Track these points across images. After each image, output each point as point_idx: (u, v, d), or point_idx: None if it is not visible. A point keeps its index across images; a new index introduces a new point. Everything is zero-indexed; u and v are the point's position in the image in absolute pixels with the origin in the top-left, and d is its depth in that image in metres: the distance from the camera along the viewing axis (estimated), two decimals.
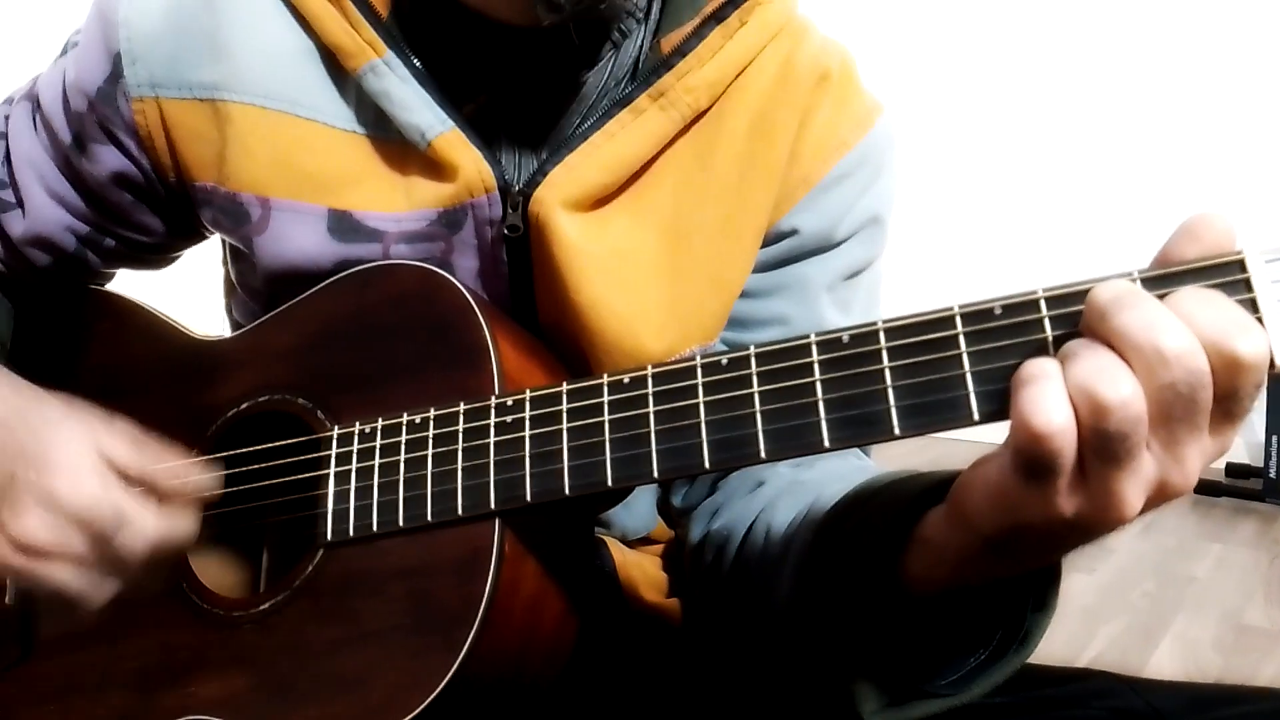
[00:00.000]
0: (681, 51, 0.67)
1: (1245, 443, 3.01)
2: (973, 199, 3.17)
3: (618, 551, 0.79)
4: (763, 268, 0.73)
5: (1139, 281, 0.44)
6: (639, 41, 0.70)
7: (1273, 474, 2.68)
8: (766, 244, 0.72)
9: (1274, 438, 2.71)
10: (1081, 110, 3.12)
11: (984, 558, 0.48)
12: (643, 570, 0.81)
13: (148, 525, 0.60)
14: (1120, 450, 0.41)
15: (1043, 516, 0.43)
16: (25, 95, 0.76)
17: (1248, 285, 0.43)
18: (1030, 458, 0.42)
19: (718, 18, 0.68)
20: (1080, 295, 0.44)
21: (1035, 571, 0.51)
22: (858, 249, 0.74)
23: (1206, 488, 2.75)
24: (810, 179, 0.72)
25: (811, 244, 0.73)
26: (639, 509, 0.82)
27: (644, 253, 0.69)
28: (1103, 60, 3.10)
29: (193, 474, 0.64)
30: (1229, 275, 0.43)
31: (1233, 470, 2.89)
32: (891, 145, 0.76)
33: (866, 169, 0.73)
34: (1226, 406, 0.42)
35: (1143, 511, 0.43)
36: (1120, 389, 0.40)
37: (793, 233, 0.72)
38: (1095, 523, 0.43)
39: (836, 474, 0.67)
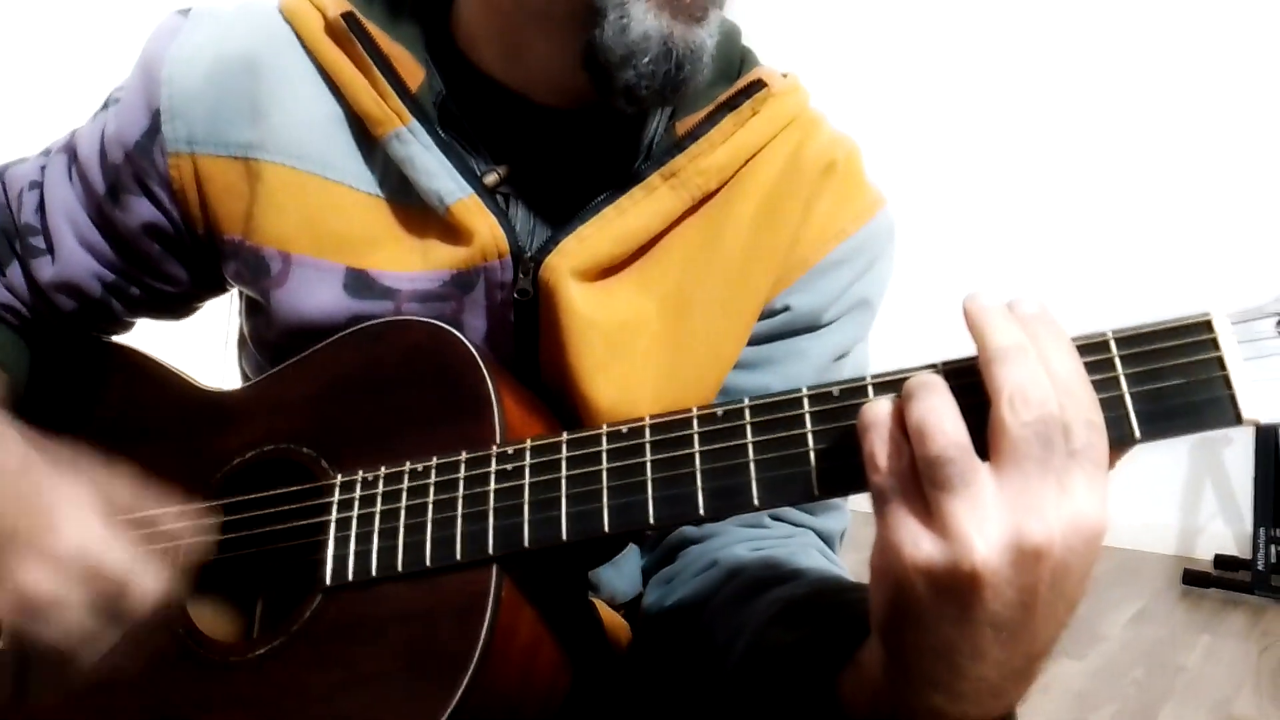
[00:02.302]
0: (695, 135, 0.71)
1: (1234, 534, 3.03)
2: (968, 283, 3.23)
3: (606, 613, 0.81)
4: (755, 341, 0.76)
5: (1113, 341, 0.47)
6: (656, 124, 0.74)
7: (1260, 566, 2.69)
8: (761, 319, 0.75)
9: (1261, 530, 2.72)
10: (1068, 210, 3.21)
11: (890, 676, 0.50)
12: (626, 633, 0.82)
13: (150, 586, 0.61)
14: (950, 474, 0.44)
15: (907, 564, 0.46)
16: (63, 147, 0.79)
17: (1215, 344, 0.46)
18: (874, 491, 0.47)
19: (731, 105, 0.72)
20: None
21: None
22: (845, 330, 0.77)
23: (1195, 578, 2.75)
24: (808, 261, 0.75)
25: (801, 322, 0.75)
26: (628, 570, 0.83)
27: (646, 324, 0.72)
28: (1091, 163, 3.20)
29: (193, 524, 0.65)
30: (1197, 335, 0.46)
31: (1221, 562, 2.90)
32: (890, 236, 0.79)
33: (863, 256, 0.76)
34: (1064, 454, 0.44)
35: (1016, 573, 0.44)
36: (947, 420, 0.45)
37: (785, 310, 0.75)
38: (955, 578, 0.44)
39: (792, 574, 0.69)
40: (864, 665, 0.53)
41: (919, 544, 0.45)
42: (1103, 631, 2.27)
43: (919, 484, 0.46)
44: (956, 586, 0.45)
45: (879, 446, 0.47)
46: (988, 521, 0.44)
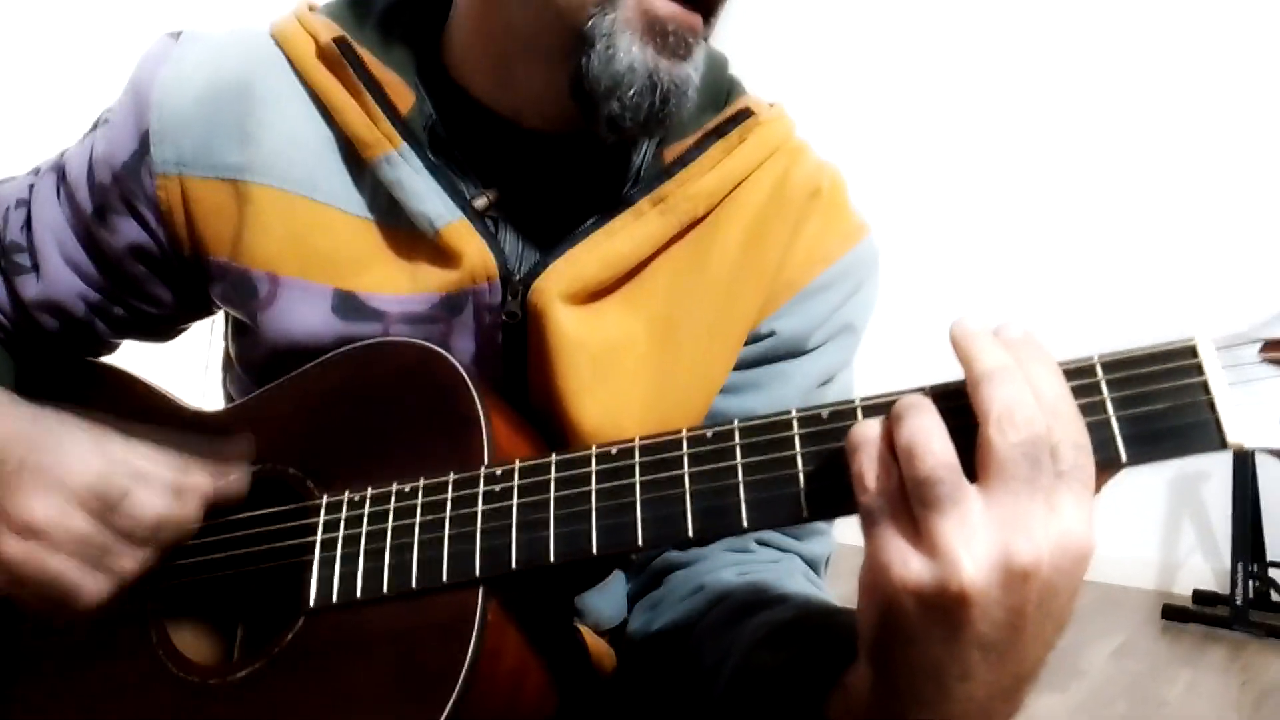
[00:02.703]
0: (683, 161, 0.72)
1: (1212, 570, 3.04)
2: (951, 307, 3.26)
3: (591, 639, 0.80)
4: (741, 365, 0.76)
5: (1099, 366, 0.48)
6: (644, 150, 0.75)
7: (1239, 601, 2.70)
8: (748, 343, 0.76)
9: (1239, 565, 2.73)
10: (1052, 237, 3.25)
11: (877, 695, 0.50)
12: (611, 659, 0.81)
13: (151, 500, 0.61)
14: (939, 494, 0.45)
15: (895, 584, 0.46)
16: (52, 167, 0.79)
17: (1199, 370, 0.46)
18: (862, 509, 0.47)
19: (719, 133, 0.73)
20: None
21: None
22: (830, 354, 0.78)
23: (1175, 613, 2.76)
24: (794, 286, 0.75)
25: (786, 347, 0.76)
26: (613, 596, 0.83)
27: (633, 346, 0.72)
28: (1073, 192, 3.24)
29: (209, 465, 0.65)
30: (1181, 361, 0.47)
31: (1200, 597, 2.91)
32: (875, 262, 0.80)
33: (848, 282, 0.77)
34: (1051, 475, 0.45)
35: (1004, 592, 0.45)
36: (934, 440, 0.45)
37: (770, 334, 0.75)
38: (944, 598, 0.45)
39: (778, 599, 0.69)
40: (851, 687, 0.53)
41: (908, 563, 0.45)
42: (1084, 665, 2.27)
43: (908, 504, 0.46)
44: (945, 606, 0.45)
45: (867, 467, 0.47)
46: (976, 541, 0.44)
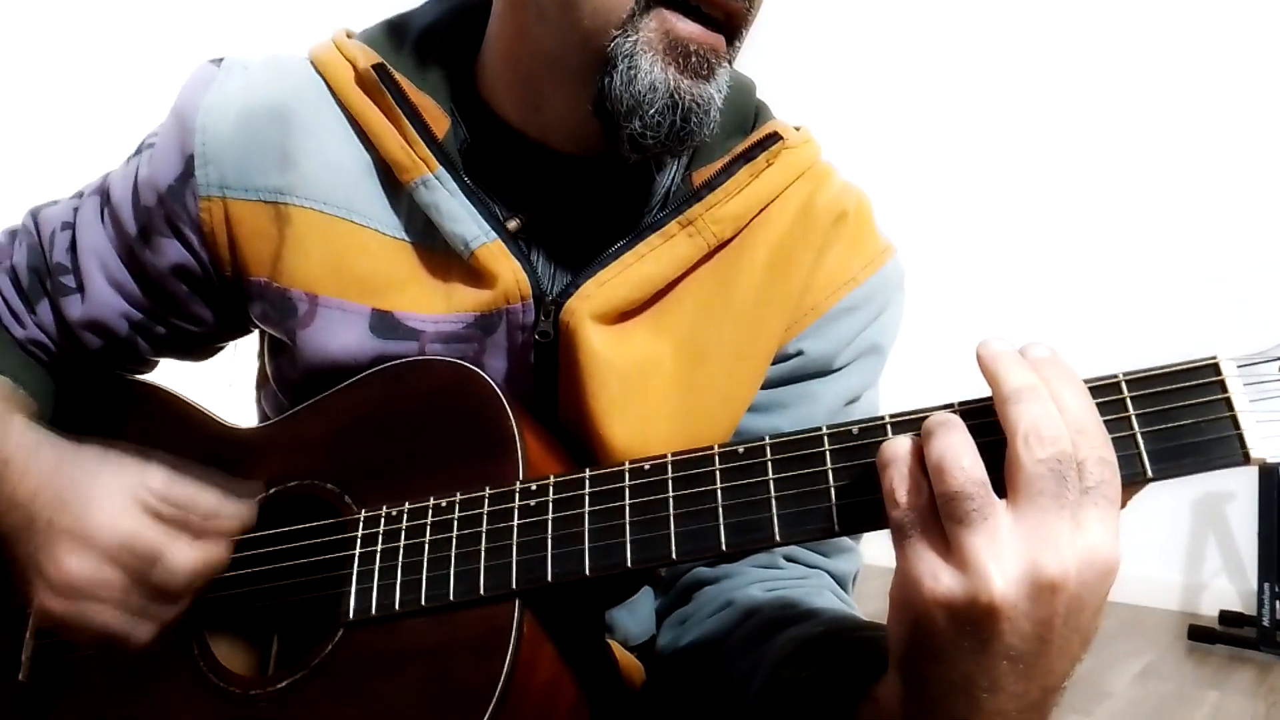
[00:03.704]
0: (711, 185, 0.73)
1: (1238, 591, 3.01)
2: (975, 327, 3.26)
3: (621, 655, 0.81)
4: (768, 385, 0.77)
5: (1124, 383, 0.49)
6: (673, 173, 0.76)
7: (1266, 623, 2.67)
8: (775, 363, 0.77)
9: (1266, 585, 2.70)
10: (1075, 259, 3.25)
11: (906, 708, 0.51)
12: (641, 675, 0.82)
13: (183, 557, 0.64)
14: (968, 509, 0.46)
15: (926, 597, 0.47)
16: (95, 190, 0.81)
17: (1222, 386, 0.47)
18: (893, 523, 0.48)
19: (747, 157, 0.74)
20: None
21: None
22: (856, 375, 0.79)
23: (1201, 634, 2.73)
24: (819, 308, 0.76)
25: (813, 366, 0.77)
26: (641, 612, 0.84)
27: (661, 366, 0.73)
28: (1096, 213, 3.23)
29: (229, 503, 0.67)
30: (1204, 378, 0.48)
31: (1226, 618, 2.88)
32: (900, 284, 0.81)
33: (873, 304, 0.78)
34: (1077, 490, 0.46)
35: (1032, 605, 0.46)
36: (964, 455, 0.47)
37: (798, 354, 0.77)
38: (974, 610, 0.46)
39: (807, 614, 0.70)
40: (881, 700, 0.53)
41: (938, 577, 0.47)
42: (1109, 687, 2.25)
43: (937, 519, 0.47)
44: (975, 619, 0.46)
45: (898, 482, 0.49)
46: (1005, 556, 0.45)
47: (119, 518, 0.63)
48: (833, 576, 0.76)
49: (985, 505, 0.46)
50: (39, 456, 0.67)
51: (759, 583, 0.74)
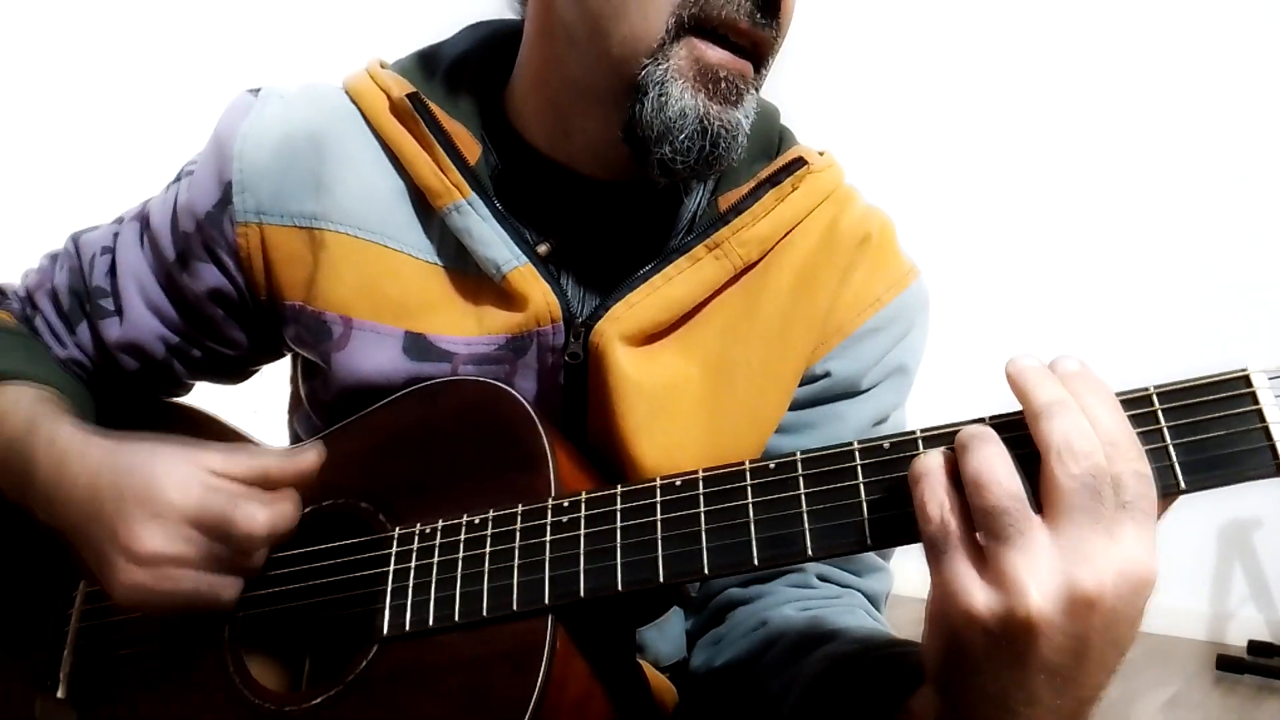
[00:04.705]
0: (737, 209, 0.74)
1: (1266, 620, 2.97)
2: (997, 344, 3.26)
3: (650, 674, 0.81)
4: (796, 405, 0.78)
5: (1155, 395, 0.49)
6: (699, 198, 0.78)
7: None
8: (802, 384, 0.78)
9: None
10: (1098, 277, 3.24)
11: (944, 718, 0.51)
12: (672, 695, 0.82)
13: (257, 517, 0.65)
14: (1006, 525, 0.46)
15: (962, 613, 0.47)
16: (135, 216, 0.83)
17: (1253, 398, 0.48)
18: (927, 539, 0.49)
19: (772, 181, 0.76)
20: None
21: None
22: (883, 396, 0.79)
23: (1230, 664, 2.70)
24: (845, 329, 0.77)
25: (841, 387, 0.78)
26: (672, 634, 0.84)
27: (689, 387, 0.74)
28: (1120, 231, 3.23)
29: (287, 461, 0.68)
30: (1235, 390, 0.48)
31: (1255, 648, 2.84)
32: (925, 305, 0.82)
33: (898, 325, 0.79)
34: (1113, 506, 0.46)
35: (1066, 619, 0.46)
36: (1000, 470, 0.47)
37: (825, 375, 0.77)
38: (1010, 625, 0.46)
39: (840, 632, 0.70)
40: (916, 713, 0.54)
41: (974, 593, 0.47)
42: (1137, 718, 2.22)
43: (973, 533, 0.48)
44: (1011, 635, 0.46)
45: (930, 497, 0.49)
46: (1041, 572, 0.46)
47: (188, 489, 0.64)
48: (865, 595, 0.77)
49: (1022, 520, 0.46)
50: (91, 450, 0.69)
51: (792, 602, 0.74)
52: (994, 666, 0.47)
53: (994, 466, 0.47)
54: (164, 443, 0.68)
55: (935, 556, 0.49)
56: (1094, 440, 0.47)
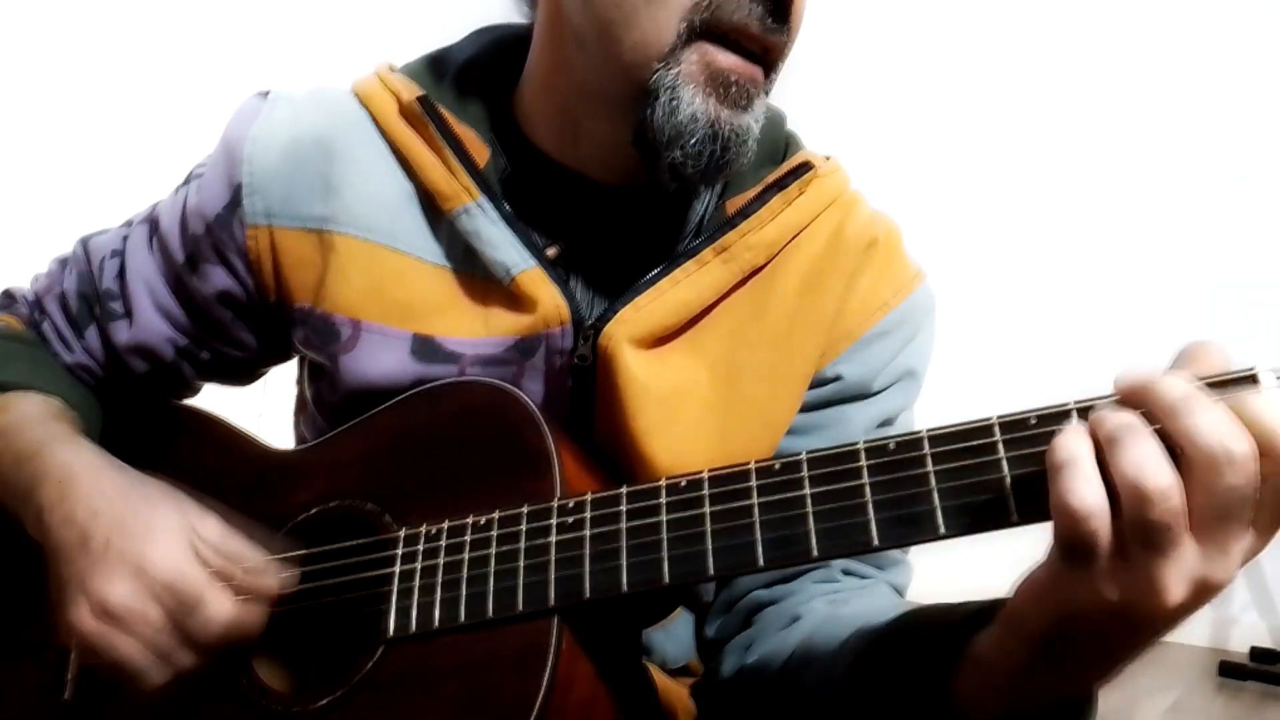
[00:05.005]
0: (744, 213, 0.75)
1: (1269, 627, 2.97)
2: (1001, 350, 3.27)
3: (658, 677, 0.81)
4: (806, 408, 0.78)
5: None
6: (706, 202, 0.78)
7: None
8: (812, 387, 0.78)
9: None
10: (1102, 281, 3.25)
11: (1032, 669, 0.51)
12: (680, 698, 0.82)
13: (222, 610, 0.64)
14: (1163, 539, 0.44)
15: (1087, 602, 0.46)
16: (144, 219, 0.84)
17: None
18: (1069, 540, 0.46)
19: (779, 186, 0.76)
20: (1104, 402, 0.49)
21: (1074, 706, 0.53)
22: (893, 398, 0.80)
23: (1232, 670, 2.69)
24: (853, 333, 0.78)
25: (851, 390, 0.78)
26: (680, 635, 0.84)
27: (697, 390, 0.75)
28: (1121, 235, 3.24)
29: (274, 571, 0.68)
30: (1242, 387, 0.48)
31: (1258, 655, 2.84)
32: (931, 309, 0.82)
33: (906, 328, 0.79)
34: (1272, 511, 0.45)
35: (1189, 608, 0.46)
36: (1162, 479, 0.44)
37: (836, 379, 0.78)
38: (1138, 612, 0.46)
39: (876, 610, 0.69)
40: (983, 660, 0.53)
41: (1111, 590, 0.46)
42: None
43: (1120, 534, 0.45)
44: (1146, 624, 0.47)
45: (1078, 497, 0.45)
46: (1186, 577, 0.45)
47: (172, 556, 0.64)
48: (891, 587, 0.77)
49: (1180, 534, 0.44)
50: (104, 479, 0.69)
51: (821, 596, 0.74)
52: (1117, 638, 0.48)
53: (1157, 474, 0.44)
54: (169, 494, 0.68)
55: (1073, 557, 0.46)
56: (1248, 445, 0.44)
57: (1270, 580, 2.97)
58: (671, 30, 0.66)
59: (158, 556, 0.63)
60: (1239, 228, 3.09)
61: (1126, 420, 0.46)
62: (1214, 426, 0.44)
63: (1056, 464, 0.46)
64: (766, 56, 0.69)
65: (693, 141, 0.67)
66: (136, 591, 0.63)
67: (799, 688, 0.68)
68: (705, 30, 0.66)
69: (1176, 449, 0.45)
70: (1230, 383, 0.48)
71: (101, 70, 2.39)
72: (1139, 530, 0.45)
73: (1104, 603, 0.46)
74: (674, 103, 0.66)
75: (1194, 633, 3.05)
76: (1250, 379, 0.48)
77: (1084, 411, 0.49)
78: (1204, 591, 0.46)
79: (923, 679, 0.56)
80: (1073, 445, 0.46)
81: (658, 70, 0.67)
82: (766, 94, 0.71)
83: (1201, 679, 2.70)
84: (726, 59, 0.67)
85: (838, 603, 0.73)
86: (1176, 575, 0.45)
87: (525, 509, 0.64)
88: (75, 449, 0.72)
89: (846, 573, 0.76)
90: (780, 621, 0.74)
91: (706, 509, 0.58)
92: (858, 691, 0.62)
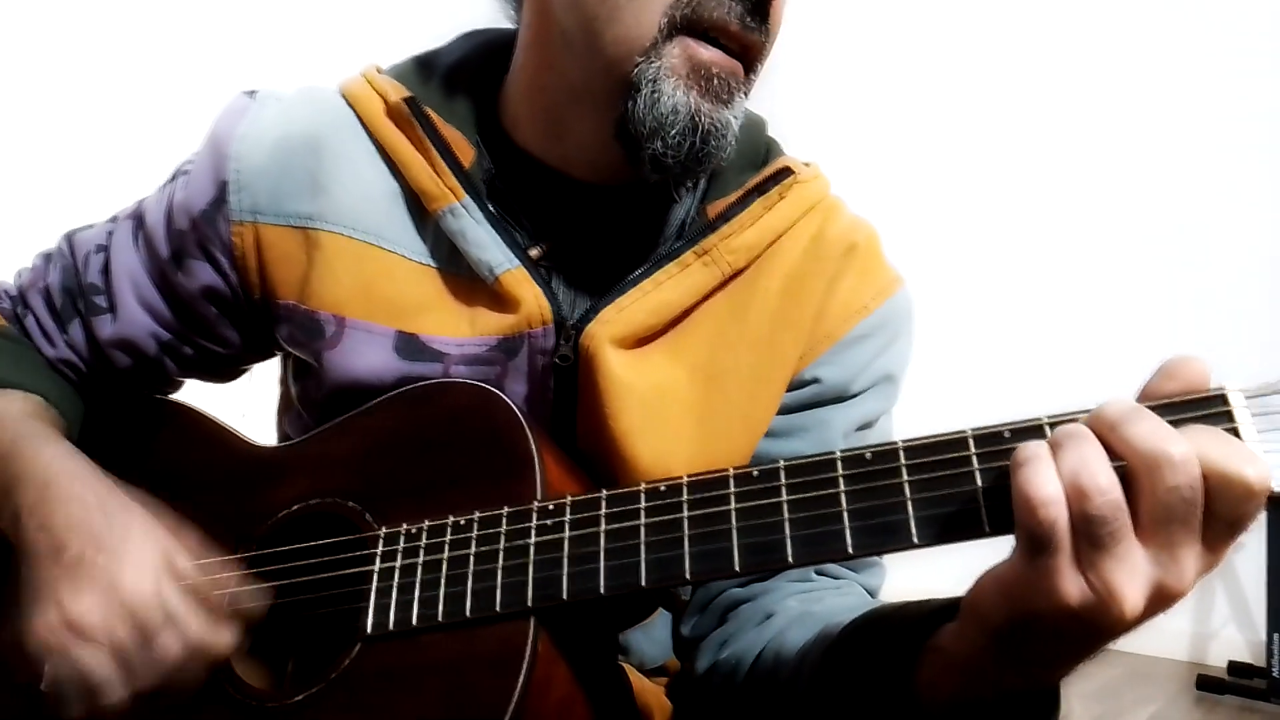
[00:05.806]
0: (726, 217, 0.76)
1: (1247, 641, 2.99)
2: (980, 355, 3.27)
3: (635, 678, 0.82)
4: (785, 410, 0.79)
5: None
6: (688, 205, 0.79)
7: (1276, 673, 2.64)
8: (791, 389, 0.79)
9: (1275, 636, 2.68)
10: (1080, 290, 3.26)
11: (993, 661, 0.51)
12: (656, 697, 0.83)
13: (189, 632, 0.64)
14: (1105, 535, 0.46)
15: (1048, 602, 0.47)
16: (130, 214, 0.84)
17: (1230, 417, 0.48)
18: (1028, 528, 0.47)
19: (760, 190, 0.77)
20: (1077, 418, 0.50)
21: (1039, 698, 0.54)
22: (871, 402, 0.80)
23: (1210, 684, 2.71)
24: (833, 336, 0.78)
25: (830, 393, 0.79)
26: (659, 636, 0.85)
27: (678, 390, 0.75)
28: (1100, 246, 3.26)
29: (245, 592, 0.68)
30: (1212, 408, 0.49)
31: (1235, 669, 2.86)
32: (909, 314, 0.83)
33: (885, 332, 0.80)
34: (1225, 525, 0.47)
35: (1146, 615, 0.47)
36: (1101, 476, 0.46)
37: (815, 381, 0.78)
38: (1097, 616, 0.47)
39: (848, 608, 0.71)
40: (946, 650, 0.54)
41: (1069, 592, 0.47)
42: None
43: (1072, 533, 0.47)
44: (1102, 628, 0.48)
45: (1036, 491, 0.47)
46: (1137, 581, 0.46)
47: (145, 575, 0.64)
48: (863, 589, 0.78)
49: (1121, 530, 0.46)
50: (82, 487, 0.69)
51: (795, 595, 0.75)
52: (1073, 639, 0.49)
53: (1095, 472, 0.46)
54: (142, 511, 0.68)
55: (1032, 549, 0.47)
56: (1186, 448, 0.46)
57: (1249, 595, 3.00)
58: (653, 25, 0.67)
59: (130, 574, 0.63)
60: (1220, 240, 3.11)
61: (1074, 428, 0.49)
62: (1151, 431, 0.46)
63: (1018, 461, 0.48)
64: (745, 55, 0.70)
65: (673, 133, 0.68)
66: (105, 609, 0.62)
67: (772, 683, 0.69)
68: (686, 26, 0.67)
69: (1121, 459, 0.47)
70: (1199, 401, 0.49)
71: (88, 68, 2.39)
72: (1084, 526, 0.46)
73: (1062, 604, 0.47)
74: (655, 95, 0.68)
75: (1172, 647, 3.07)
76: (1220, 399, 0.48)
77: (1056, 426, 0.50)
78: (1160, 599, 0.47)
79: (887, 670, 0.57)
80: (1034, 446, 0.49)
81: (639, 64, 0.68)
82: (746, 94, 0.72)
83: (1180, 693, 2.72)
84: (709, 52, 0.68)
85: (810, 601, 0.74)
86: (1127, 578, 0.46)
87: (505, 510, 0.64)
88: (54, 452, 0.72)
89: (820, 573, 0.77)
90: (754, 619, 0.75)
91: (684, 514, 0.58)
92: (827, 685, 0.62)
